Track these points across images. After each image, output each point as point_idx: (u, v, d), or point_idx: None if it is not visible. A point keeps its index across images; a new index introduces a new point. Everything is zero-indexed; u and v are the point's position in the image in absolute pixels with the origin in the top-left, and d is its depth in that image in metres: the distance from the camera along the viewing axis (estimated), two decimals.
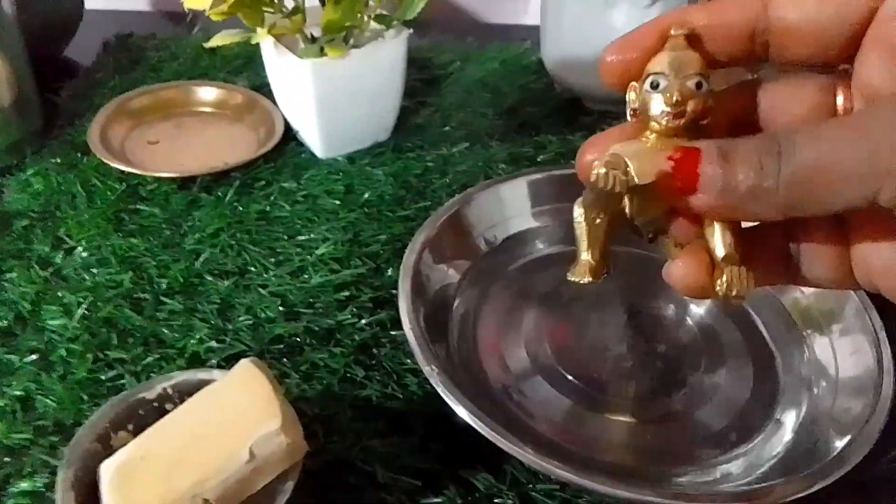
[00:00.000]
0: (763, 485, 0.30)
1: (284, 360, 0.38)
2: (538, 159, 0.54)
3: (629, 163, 0.18)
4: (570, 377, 0.37)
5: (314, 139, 0.52)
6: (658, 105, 0.18)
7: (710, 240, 0.19)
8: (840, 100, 0.19)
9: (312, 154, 0.53)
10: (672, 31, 0.19)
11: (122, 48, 0.67)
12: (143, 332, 0.39)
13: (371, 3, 0.47)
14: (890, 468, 0.34)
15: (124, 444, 0.30)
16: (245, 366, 0.31)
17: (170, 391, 0.32)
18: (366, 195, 0.49)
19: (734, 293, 0.19)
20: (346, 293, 0.41)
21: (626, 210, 0.19)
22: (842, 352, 0.36)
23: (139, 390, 0.32)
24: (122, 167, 0.49)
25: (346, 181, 0.50)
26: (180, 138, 0.55)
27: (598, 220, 0.20)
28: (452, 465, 0.33)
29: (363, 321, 0.40)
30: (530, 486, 0.32)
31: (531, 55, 0.67)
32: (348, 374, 0.37)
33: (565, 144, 0.55)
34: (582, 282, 0.21)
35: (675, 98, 0.18)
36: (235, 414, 0.29)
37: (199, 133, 0.55)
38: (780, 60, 0.19)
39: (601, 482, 0.28)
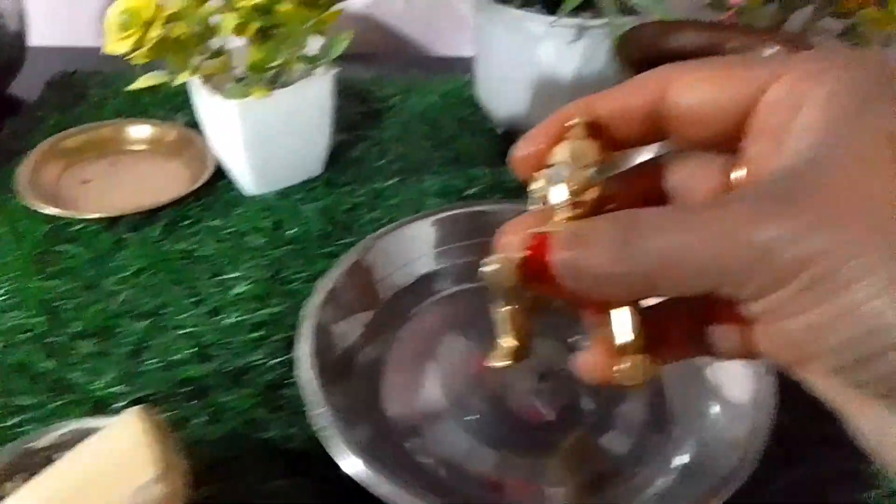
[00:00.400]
0: None
1: (193, 402, 0.38)
2: (469, 192, 0.54)
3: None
4: (473, 417, 0.37)
5: (244, 176, 0.52)
6: (559, 195, 0.19)
7: (609, 327, 0.19)
8: (737, 176, 0.20)
9: (242, 191, 0.53)
10: (573, 121, 0.20)
11: (66, 85, 0.68)
12: (53, 377, 0.39)
13: (296, 43, 0.48)
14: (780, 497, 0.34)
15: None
16: (129, 414, 0.30)
17: (60, 440, 0.32)
18: (292, 231, 0.49)
19: (629, 383, 0.19)
20: (261, 332, 0.42)
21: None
22: (729, 377, 0.36)
23: (30, 439, 0.32)
24: (48, 209, 0.49)
25: (275, 217, 0.51)
26: (114, 177, 0.55)
27: (515, 307, 0.20)
28: None
29: (274, 360, 0.40)
30: None
31: (471, 88, 0.67)
32: (254, 416, 0.37)
33: (497, 177, 0.56)
34: (500, 365, 0.21)
35: (573, 188, 0.19)
36: (114, 464, 0.29)
37: (132, 171, 0.55)
38: (681, 142, 0.20)
39: None
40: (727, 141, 0.19)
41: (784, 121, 0.17)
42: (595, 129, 0.19)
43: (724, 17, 0.51)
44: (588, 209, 0.19)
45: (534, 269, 0.18)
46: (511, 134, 0.61)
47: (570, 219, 0.19)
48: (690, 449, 0.36)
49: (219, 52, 0.46)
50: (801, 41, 0.45)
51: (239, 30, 0.44)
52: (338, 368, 0.37)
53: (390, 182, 0.55)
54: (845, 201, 0.15)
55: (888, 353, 0.14)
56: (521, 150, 0.20)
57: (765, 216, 0.15)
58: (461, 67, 0.72)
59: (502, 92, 0.59)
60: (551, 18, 0.51)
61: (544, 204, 0.19)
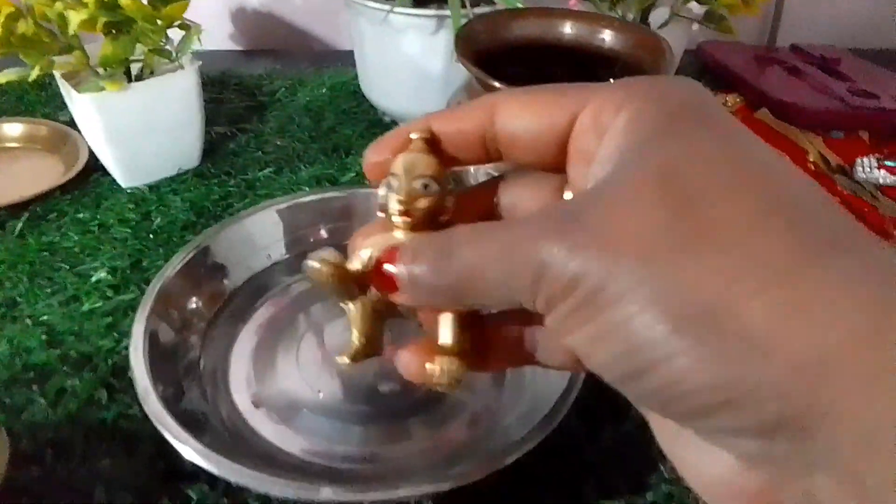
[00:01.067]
0: (445, 472, 0.32)
1: (34, 386, 0.39)
2: (343, 180, 0.56)
3: (371, 252, 0.20)
4: (321, 395, 0.39)
5: (114, 169, 0.53)
6: (392, 204, 0.20)
7: (436, 329, 0.20)
8: (567, 197, 0.21)
9: (117, 184, 0.54)
10: (412, 135, 0.21)
11: None
12: None
13: (150, 38, 0.49)
14: (594, 457, 0.36)
15: None
16: None
17: None
18: (157, 221, 0.50)
19: (435, 382, 0.20)
20: (112, 318, 0.43)
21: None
22: None
23: None
24: None
25: (143, 209, 0.52)
26: None
27: (360, 304, 0.21)
28: (174, 481, 0.34)
29: (122, 345, 0.41)
30: (245, 493, 0.34)
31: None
32: (93, 398, 0.38)
33: None
34: (341, 363, 0.22)
35: (402, 198, 0.20)
36: None
37: (5, 168, 0.56)
38: (512, 163, 0.21)
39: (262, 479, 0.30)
40: (553, 164, 0.20)
41: (591, 147, 0.18)
42: (434, 145, 0.21)
43: (569, 4, 0.54)
44: (419, 218, 0.20)
45: (385, 279, 0.19)
46: (396, 123, 0.63)
47: (405, 226, 0.20)
48: (525, 401, 0.38)
49: (71, 48, 0.47)
50: (633, 28, 0.48)
51: (86, 25, 0.45)
52: (176, 352, 0.39)
53: (264, 172, 0.56)
54: (612, 226, 0.15)
55: (651, 369, 0.15)
56: (368, 158, 0.21)
57: (544, 235, 0.16)
58: (352, 60, 0.74)
59: (379, 83, 0.61)
60: (411, 10, 0.53)
61: (385, 211, 0.20)
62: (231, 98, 0.66)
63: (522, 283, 0.16)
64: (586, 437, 0.37)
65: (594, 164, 0.18)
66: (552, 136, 0.19)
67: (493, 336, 0.21)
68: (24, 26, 0.44)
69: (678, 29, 0.63)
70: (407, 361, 0.20)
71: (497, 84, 0.41)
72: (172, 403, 0.35)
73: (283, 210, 0.45)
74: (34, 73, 0.46)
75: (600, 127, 0.18)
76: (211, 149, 0.58)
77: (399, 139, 0.21)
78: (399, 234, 0.20)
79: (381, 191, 0.20)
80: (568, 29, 0.48)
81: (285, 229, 0.45)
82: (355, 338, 0.21)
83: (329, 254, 0.20)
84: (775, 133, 0.61)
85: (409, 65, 0.57)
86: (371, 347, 0.22)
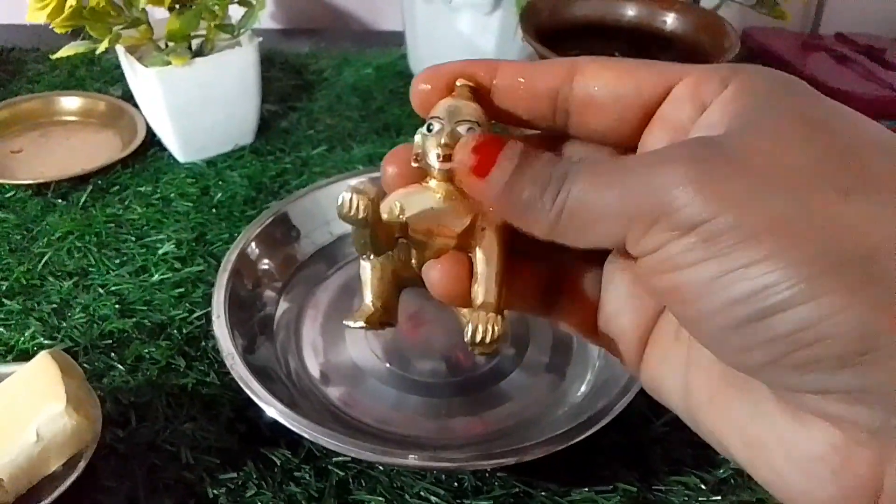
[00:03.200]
0: (524, 444, 0.32)
1: (112, 353, 0.40)
2: None
3: (400, 202, 0.19)
4: (390, 367, 0.39)
5: (172, 144, 0.54)
6: (431, 147, 0.19)
7: (474, 282, 0.19)
8: None
9: (174, 158, 0.55)
10: (458, 82, 0.19)
11: (4, 62, 0.68)
12: None
13: (217, 13, 0.49)
14: (662, 431, 0.37)
15: None
16: (41, 356, 0.32)
17: None
18: (218, 196, 0.51)
19: (478, 341, 0.18)
20: (183, 289, 0.44)
21: (412, 259, 0.20)
22: None
23: None
24: None
25: (202, 184, 0.52)
26: (44, 147, 0.56)
27: (379, 265, 0.20)
28: (255, 445, 0.35)
29: (195, 315, 0.42)
30: (326, 459, 0.35)
31: (405, 61, 0.69)
32: (171, 365, 0.39)
33: None
34: (355, 326, 0.20)
35: (443, 140, 0.18)
36: (24, 400, 0.31)
37: (63, 141, 0.57)
38: (579, 132, 0.20)
39: (363, 448, 0.31)
40: (625, 132, 0.19)
41: (689, 116, 0.17)
42: (479, 96, 0.19)
43: None
44: None
45: (473, 163, 0.18)
46: None
47: (442, 176, 0.19)
48: (585, 386, 0.39)
49: (137, 22, 0.48)
50: (696, 10, 0.48)
51: (155, 0, 0.45)
52: (255, 320, 0.40)
53: (317, 150, 0.57)
54: (753, 167, 0.15)
55: (778, 312, 0.14)
56: (422, 83, 0.20)
57: (677, 159, 0.15)
58: (399, 41, 0.75)
59: (430, 62, 0.61)
60: None
61: (420, 161, 0.19)
62: (279, 76, 0.67)
63: (641, 214, 0.15)
64: (651, 411, 0.38)
65: (698, 131, 0.17)
66: (638, 102, 0.18)
67: (517, 276, 0.20)
68: (94, 0, 0.44)
69: (729, 13, 0.63)
70: (441, 279, 0.19)
71: None
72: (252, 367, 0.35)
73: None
74: (103, 46, 0.47)
75: (700, 98, 0.17)
76: (264, 126, 0.58)
77: (452, 74, 0.19)
78: (433, 184, 0.19)
79: (417, 137, 0.19)
80: (629, 10, 0.48)
81: None
82: (370, 301, 0.20)
83: (368, 186, 0.18)
84: None
85: (462, 44, 0.57)
86: (387, 314, 0.21)
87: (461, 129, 0.18)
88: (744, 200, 0.14)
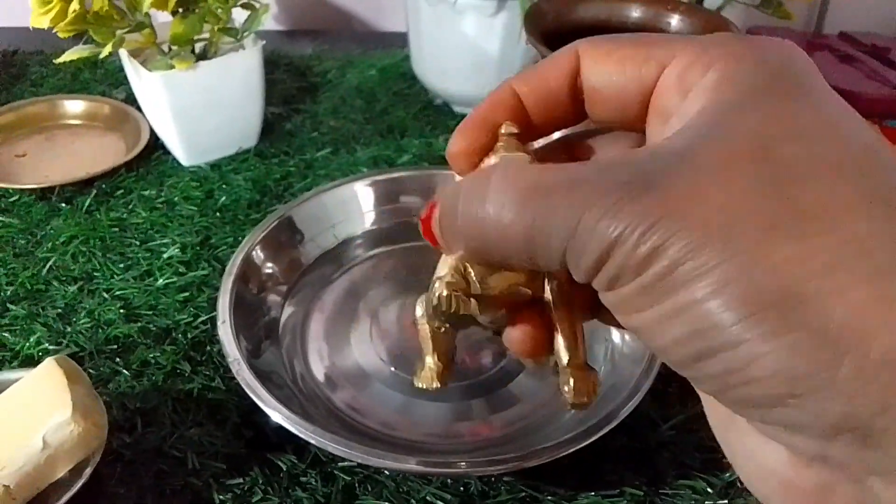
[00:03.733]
0: (530, 449, 0.32)
1: (118, 359, 0.40)
2: (399, 162, 0.57)
3: (471, 274, 0.18)
4: (396, 371, 0.39)
5: (176, 147, 0.54)
6: None
7: (556, 333, 0.19)
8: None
9: (178, 162, 0.55)
10: (502, 131, 0.19)
11: (7, 65, 0.69)
12: None
13: (221, 16, 0.49)
14: (669, 435, 0.37)
15: None
16: (47, 363, 0.32)
17: None
18: (222, 200, 0.51)
19: (584, 400, 0.18)
20: (188, 294, 0.44)
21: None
22: None
23: None
24: None
25: (207, 187, 0.52)
26: (49, 150, 0.56)
27: (442, 329, 0.20)
28: (262, 450, 0.35)
29: (199, 320, 0.42)
30: (333, 464, 0.35)
31: (409, 62, 0.69)
32: (177, 370, 0.39)
33: (426, 147, 0.58)
34: (430, 388, 0.20)
35: None
36: (31, 407, 0.31)
37: (67, 145, 0.57)
38: (595, 121, 0.20)
39: (367, 454, 0.31)
40: (635, 122, 0.19)
41: (672, 104, 0.17)
42: (521, 137, 0.19)
43: None
44: None
45: (424, 228, 0.18)
46: (448, 105, 0.64)
47: None
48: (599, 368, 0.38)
49: (142, 25, 0.48)
50: (701, 12, 0.48)
51: (158, 4, 0.45)
52: (260, 324, 0.39)
53: (322, 153, 0.57)
54: (694, 198, 0.14)
55: (718, 352, 0.14)
56: (455, 146, 0.20)
57: (619, 203, 0.15)
58: (402, 42, 0.74)
59: (434, 65, 0.61)
60: None
61: None
62: (283, 78, 0.67)
63: (585, 255, 0.15)
64: (659, 416, 0.38)
65: (674, 122, 0.17)
66: (636, 90, 0.18)
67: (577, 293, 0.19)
68: (98, 3, 0.44)
69: (733, 13, 0.62)
70: (521, 339, 0.19)
71: None
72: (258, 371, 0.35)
73: (363, 186, 0.47)
74: (106, 50, 0.47)
75: (685, 84, 0.17)
76: (267, 129, 0.58)
77: (485, 120, 0.19)
78: None
79: None
80: (634, 12, 0.48)
81: (364, 204, 0.47)
82: (432, 360, 0.20)
83: (457, 277, 0.18)
84: None
85: (466, 46, 0.57)
86: (451, 367, 0.21)
87: None
88: (679, 243, 0.14)
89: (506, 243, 0.16)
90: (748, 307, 0.13)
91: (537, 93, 0.19)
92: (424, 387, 0.20)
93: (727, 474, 0.35)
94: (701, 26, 0.47)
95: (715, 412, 0.17)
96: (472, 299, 0.18)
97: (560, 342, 0.19)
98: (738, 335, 0.14)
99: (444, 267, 0.19)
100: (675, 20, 0.48)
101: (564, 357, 0.19)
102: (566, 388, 0.18)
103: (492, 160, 0.19)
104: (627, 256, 0.14)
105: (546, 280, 0.19)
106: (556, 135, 0.22)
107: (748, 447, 0.16)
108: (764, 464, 0.15)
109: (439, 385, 0.20)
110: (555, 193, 0.15)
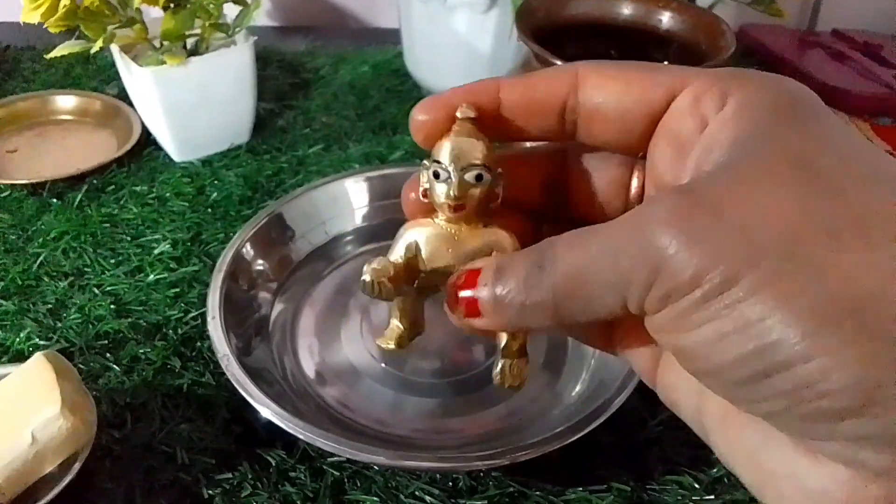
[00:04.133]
0: (519, 444, 0.32)
1: (108, 354, 0.40)
2: (391, 158, 0.57)
3: (421, 247, 0.19)
4: (386, 367, 0.39)
5: (168, 143, 0.54)
6: (440, 195, 0.19)
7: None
8: (634, 182, 0.20)
9: (169, 158, 0.55)
10: (458, 114, 0.19)
11: None
12: None
13: (212, 12, 0.49)
14: (657, 431, 0.37)
15: None
16: (35, 358, 0.32)
17: None
18: (213, 196, 0.51)
19: (506, 385, 0.20)
20: (178, 290, 0.44)
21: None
22: None
23: None
24: None
25: (198, 183, 0.52)
26: (40, 146, 0.56)
27: (403, 296, 0.21)
28: (251, 445, 0.35)
29: (190, 315, 0.42)
30: (322, 460, 0.35)
31: (402, 58, 0.69)
32: (167, 366, 0.39)
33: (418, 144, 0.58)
34: (388, 347, 0.21)
35: (452, 193, 0.18)
36: (20, 402, 0.31)
37: (58, 140, 0.57)
38: (588, 141, 0.20)
39: (357, 448, 0.31)
40: (633, 143, 0.19)
41: (689, 131, 0.17)
42: (482, 122, 0.19)
43: None
44: (470, 212, 0.19)
45: (466, 304, 0.18)
46: None
47: (449, 219, 0.19)
48: (580, 386, 0.39)
49: (133, 21, 0.48)
50: (692, 10, 0.48)
51: None
52: (251, 320, 0.40)
53: (314, 149, 0.57)
54: (747, 212, 0.14)
55: (781, 371, 0.14)
56: (421, 114, 0.20)
57: (664, 220, 0.15)
58: (395, 39, 0.74)
59: (427, 61, 0.61)
60: None
61: (426, 196, 0.19)
62: (275, 74, 0.67)
63: (636, 278, 0.15)
64: (648, 412, 0.38)
65: (695, 150, 0.17)
66: (643, 112, 0.18)
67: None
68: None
69: (725, 11, 0.62)
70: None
71: (558, 62, 0.41)
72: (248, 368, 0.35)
73: (353, 182, 0.46)
74: (97, 46, 0.47)
75: (700, 111, 0.17)
76: (259, 125, 0.58)
77: (452, 102, 0.19)
78: (441, 221, 0.19)
79: (424, 178, 0.19)
80: (625, 9, 0.48)
81: (354, 200, 0.46)
82: (396, 325, 0.21)
83: (384, 262, 0.19)
84: None
85: (457, 43, 0.57)
86: (413, 329, 0.22)
87: (469, 176, 0.18)
88: (736, 256, 0.14)
89: (587, 291, 0.16)
90: (817, 319, 0.13)
91: (523, 101, 0.19)
92: (383, 346, 0.21)
93: (714, 470, 0.35)
94: (692, 23, 0.47)
95: (737, 439, 0.17)
96: (393, 286, 0.19)
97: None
98: (809, 347, 0.13)
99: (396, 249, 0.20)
100: (665, 17, 0.48)
101: (501, 341, 0.20)
102: (495, 371, 0.20)
103: (441, 149, 0.19)
104: (679, 271, 0.14)
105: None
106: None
107: (791, 468, 0.15)
108: (813, 486, 0.15)
109: (395, 347, 0.21)
110: (612, 226, 0.16)
